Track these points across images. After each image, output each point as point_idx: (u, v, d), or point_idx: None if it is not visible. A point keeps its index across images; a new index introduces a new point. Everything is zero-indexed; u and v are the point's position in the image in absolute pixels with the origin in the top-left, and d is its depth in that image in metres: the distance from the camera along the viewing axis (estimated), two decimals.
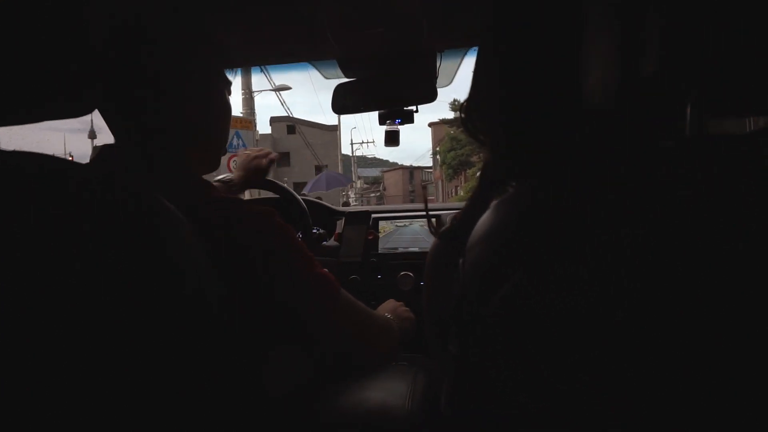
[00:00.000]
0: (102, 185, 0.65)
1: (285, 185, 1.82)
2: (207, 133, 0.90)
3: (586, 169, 0.48)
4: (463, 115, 0.75)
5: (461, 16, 1.35)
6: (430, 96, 1.60)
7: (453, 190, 35.38)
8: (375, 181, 51.31)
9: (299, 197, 1.81)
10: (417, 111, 1.72)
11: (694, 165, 0.41)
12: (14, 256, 0.55)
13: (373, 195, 45.68)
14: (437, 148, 37.59)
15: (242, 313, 0.74)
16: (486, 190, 0.70)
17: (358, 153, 36.64)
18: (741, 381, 0.36)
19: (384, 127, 1.76)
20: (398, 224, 1.87)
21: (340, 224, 1.97)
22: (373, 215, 1.92)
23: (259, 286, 0.77)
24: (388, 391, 0.95)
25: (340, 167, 28.56)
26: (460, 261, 0.53)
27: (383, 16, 1.34)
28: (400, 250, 1.84)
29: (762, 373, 0.36)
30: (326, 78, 1.81)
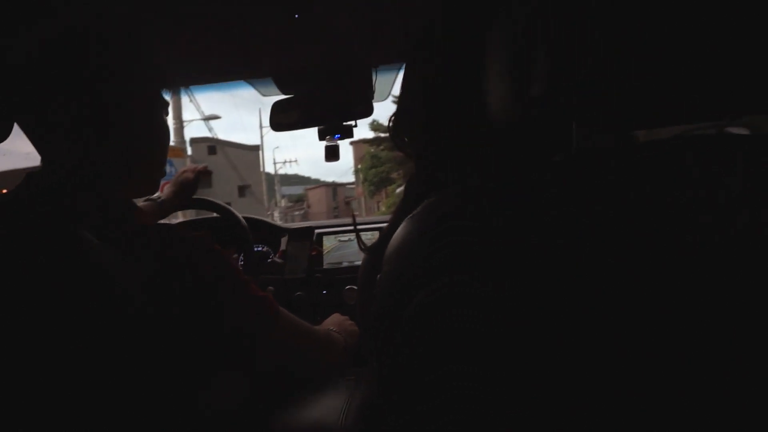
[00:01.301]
0: (18, 215, 0.64)
1: (225, 204, 1.76)
2: (145, 155, 0.86)
3: (484, 183, 0.49)
4: (391, 129, 0.77)
5: (392, 34, 1.37)
6: (367, 111, 1.61)
7: (375, 206, 35.74)
8: (299, 199, 50.85)
9: (240, 216, 1.76)
10: (356, 126, 1.71)
11: (579, 177, 0.44)
12: None
13: (297, 213, 45.30)
14: (359, 166, 38.01)
15: (177, 340, 0.72)
16: (409, 204, 0.70)
17: (281, 171, 36.31)
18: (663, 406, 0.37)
19: (323, 143, 1.74)
20: (342, 239, 1.86)
21: (284, 241, 1.93)
22: (317, 231, 1.90)
23: (195, 312, 0.74)
24: (324, 407, 0.95)
25: (264, 187, 28.19)
26: (378, 276, 0.54)
27: (316, 33, 1.33)
28: (345, 264, 1.82)
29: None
30: (264, 95, 1.77)
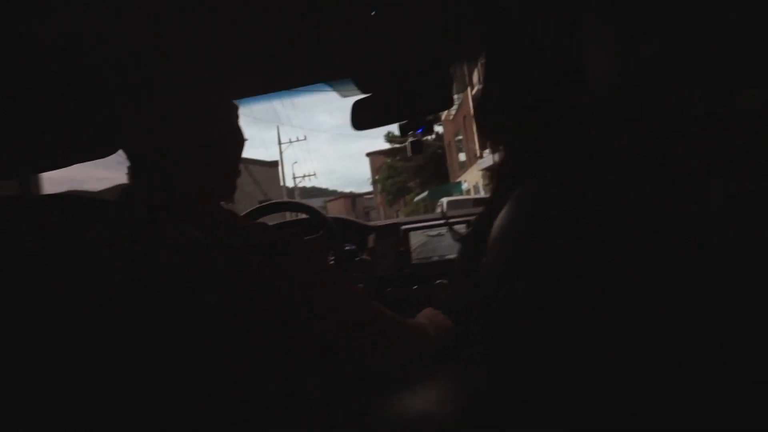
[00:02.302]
0: (128, 218, 0.70)
1: (316, 208, 1.78)
2: (224, 159, 0.89)
3: (593, 162, 0.48)
4: (476, 117, 0.76)
5: (469, 28, 1.36)
6: (447, 103, 1.59)
7: (395, 215, 35.96)
8: None
9: (328, 216, 1.77)
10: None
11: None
12: (72, 275, 0.63)
13: None
14: (376, 177, 38.43)
15: (275, 332, 0.74)
16: (503, 186, 0.71)
17: (300, 185, 36.66)
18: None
19: (409, 138, 1.74)
20: (430, 234, 1.85)
21: (372, 239, 1.93)
22: (403, 227, 1.90)
23: (291, 306, 0.76)
24: (429, 398, 0.93)
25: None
26: (483, 261, 0.53)
27: (394, 31, 1.33)
28: (435, 258, 1.81)
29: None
30: (343, 96, 1.78)
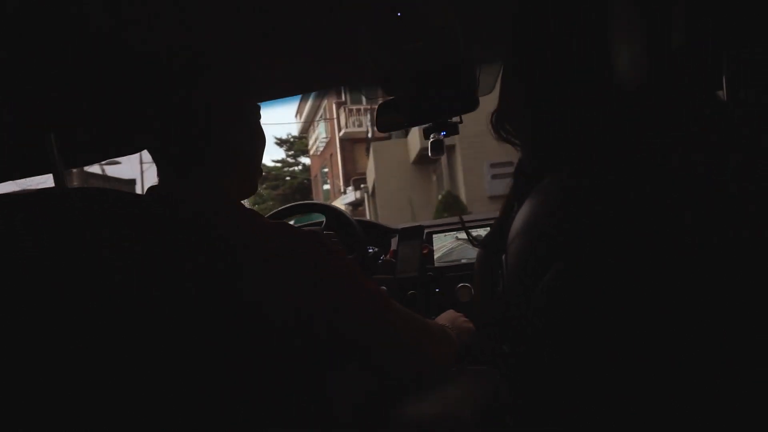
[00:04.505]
0: (170, 208, 0.73)
1: (340, 209, 1.73)
2: (246, 159, 0.91)
3: (616, 154, 0.48)
4: (493, 124, 0.78)
5: (495, 30, 1.38)
6: (472, 105, 1.59)
7: None
8: None
9: (352, 218, 1.73)
10: (461, 122, 1.70)
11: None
12: (115, 264, 0.64)
13: None
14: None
15: (297, 331, 0.75)
16: (521, 185, 0.72)
17: None
18: None
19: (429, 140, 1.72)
20: (460, 237, 1.83)
21: (395, 241, 1.88)
22: (426, 230, 1.87)
23: (314, 304, 0.77)
24: (447, 401, 0.93)
25: None
26: (503, 257, 0.54)
27: (419, 32, 1.33)
28: (463, 261, 1.79)
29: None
30: (368, 99, 1.75)
